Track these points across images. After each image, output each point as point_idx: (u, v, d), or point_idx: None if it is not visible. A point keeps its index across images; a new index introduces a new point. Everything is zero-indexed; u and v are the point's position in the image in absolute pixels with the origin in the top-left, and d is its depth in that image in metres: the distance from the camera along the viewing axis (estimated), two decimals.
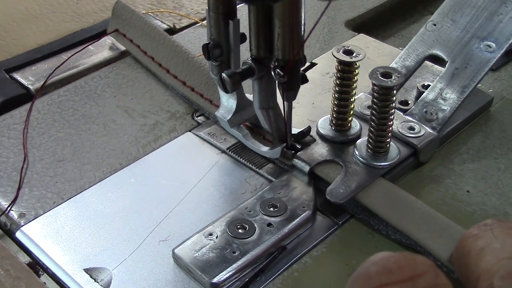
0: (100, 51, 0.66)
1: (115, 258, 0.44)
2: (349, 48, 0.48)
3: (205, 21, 0.51)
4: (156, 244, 0.45)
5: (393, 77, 0.46)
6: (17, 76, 0.63)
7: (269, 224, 0.45)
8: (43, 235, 0.46)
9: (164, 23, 0.71)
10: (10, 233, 0.47)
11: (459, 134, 0.55)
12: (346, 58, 0.48)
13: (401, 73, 0.47)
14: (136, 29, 0.64)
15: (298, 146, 0.49)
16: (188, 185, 0.50)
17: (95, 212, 0.48)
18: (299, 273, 0.43)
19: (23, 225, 0.47)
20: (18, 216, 0.48)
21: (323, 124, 0.52)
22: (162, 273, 0.43)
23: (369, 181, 0.47)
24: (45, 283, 0.44)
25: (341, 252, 0.45)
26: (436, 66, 0.60)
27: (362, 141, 0.50)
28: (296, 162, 0.50)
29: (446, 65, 0.54)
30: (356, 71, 0.49)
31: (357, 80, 0.49)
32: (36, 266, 0.45)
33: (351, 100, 0.50)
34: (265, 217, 0.46)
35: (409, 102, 0.55)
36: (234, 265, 0.42)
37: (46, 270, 0.44)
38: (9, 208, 0.48)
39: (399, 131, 0.51)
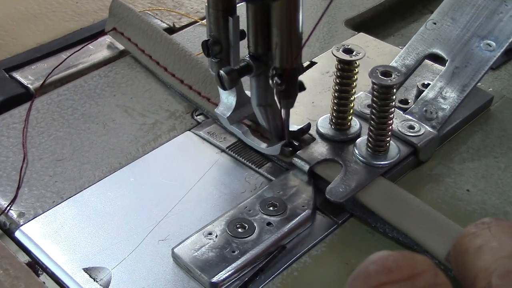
0: (100, 50, 0.66)
1: (115, 258, 0.44)
2: (348, 46, 0.48)
3: (205, 20, 0.51)
4: (155, 244, 0.45)
5: (393, 76, 0.46)
6: (17, 75, 0.63)
7: (269, 223, 0.45)
8: (42, 234, 0.46)
9: (163, 22, 0.70)
10: (9, 233, 0.47)
11: (459, 133, 0.55)
12: (346, 57, 0.48)
13: (401, 71, 0.47)
14: (133, 28, 0.64)
15: (296, 143, 0.49)
16: (187, 184, 0.50)
17: (95, 211, 0.48)
18: (298, 273, 0.43)
19: (22, 225, 0.47)
20: (17, 215, 0.48)
21: (323, 123, 0.52)
22: (161, 273, 0.43)
23: (368, 180, 0.47)
24: (44, 282, 0.43)
25: (341, 251, 0.45)
26: (436, 65, 0.60)
27: (362, 140, 0.50)
28: (296, 161, 0.49)
29: (446, 64, 0.54)
30: (356, 70, 0.49)
31: (357, 79, 0.49)
32: (36, 265, 0.45)
33: (351, 99, 0.50)
34: (265, 216, 0.46)
35: (409, 101, 0.55)
36: (234, 265, 0.42)
37: (46, 270, 0.44)
38: (8, 207, 0.48)
39: (399, 130, 0.51)
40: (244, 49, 0.48)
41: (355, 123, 0.52)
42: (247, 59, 0.46)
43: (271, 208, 0.46)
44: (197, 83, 0.57)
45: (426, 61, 0.57)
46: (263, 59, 0.46)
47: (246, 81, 0.49)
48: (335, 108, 0.51)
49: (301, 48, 0.44)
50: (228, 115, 0.52)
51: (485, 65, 0.53)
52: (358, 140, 0.50)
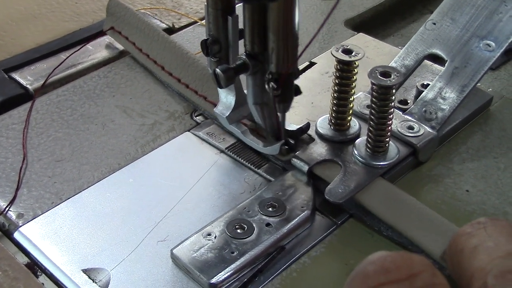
0: (99, 50, 0.66)
1: (114, 259, 0.44)
2: (348, 47, 0.48)
3: (204, 20, 0.51)
4: (154, 245, 0.45)
5: (392, 76, 0.46)
6: (16, 76, 0.63)
7: (268, 224, 0.45)
8: (41, 235, 0.46)
9: (163, 23, 0.70)
10: (8, 234, 0.47)
11: (458, 133, 0.54)
12: (345, 57, 0.48)
13: (400, 72, 0.47)
14: (131, 27, 0.64)
15: (292, 142, 0.49)
16: (186, 185, 0.50)
17: (94, 212, 0.48)
18: (297, 273, 0.43)
19: (21, 226, 0.47)
20: (16, 216, 0.48)
21: (322, 124, 0.52)
22: (160, 274, 0.43)
23: (368, 180, 0.47)
24: (43, 283, 0.43)
25: (340, 252, 0.45)
26: (436, 65, 0.60)
27: (361, 141, 0.50)
28: (295, 161, 0.49)
29: (446, 64, 0.54)
30: (355, 70, 0.49)
31: (356, 79, 0.49)
32: (34, 266, 0.45)
33: (350, 99, 0.50)
34: (264, 217, 0.46)
35: (409, 101, 0.55)
36: (233, 265, 0.42)
37: (44, 271, 0.44)
38: (7, 208, 0.48)
39: (398, 131, 0.51)
40: (243, 48, 0.48)
41: (354, 124, 0.52)
42: (244, 57, 0.46)
43: (270, 209, 0.46)
44: (194, 82, 0.57)
45: (426, 61, 0.57)
46: (259, 58, 0.46)
47: (245, 81, 0.49)
48: (334, 108, 0.51)
49: (298, 55, 0.44)
50: (227, 114, 0.52)
51: (484, 65, 0.53)
52: (358, 140, 0.50)
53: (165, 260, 0.44)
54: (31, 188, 0.50)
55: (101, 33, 0.67)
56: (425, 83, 0.55)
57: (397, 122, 0.51)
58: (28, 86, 0.61)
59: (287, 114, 0.54)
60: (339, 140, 0.51)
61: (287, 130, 0.50)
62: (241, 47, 0.48)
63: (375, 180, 0.47)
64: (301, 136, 0.51)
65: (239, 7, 0.47)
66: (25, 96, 0.60)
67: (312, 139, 0.51)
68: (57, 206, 0.48)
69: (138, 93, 0.60)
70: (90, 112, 0.58)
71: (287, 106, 0.46)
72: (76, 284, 0.43)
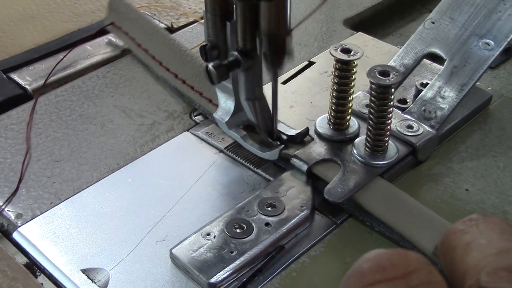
0: (98, 51, 0.66)
1: (113, 259, 0.44)
2: (347, 46, 0.48)
3: (203, 20, 0.51)
4: (153, 244, 0.45)
5: (391, 75, 0.46)
6: (15, 76, 0.63)
7: (267, 224, 0.45)
8: (40, 235, 0.46)
9: (161, 23, 0.70)
10: (7, 234, 0.47)
11: (457, 132, 0.54)
12: (344, 57, 0.48)
13: (399, 71, 0.46)
14: (131, 22, 0.64)
15: (284, 137, 0.49)
16: (185, 185, 0.49)
17: (93, 212, 0.48)
18: (297, 273, 0.43)
19: (20, 226, 0.47)
20: (15, 216, 0.48)
21: (321, 123, 0.52)
22: (159, 273, 0.43)
23: (367, 180, 0.47)
24: (42, 284, 0.43)
25: (340, 252, 0.45)
26: (435, 64, 0.60)
27: (360, 140, 0.50)
28: (294, 161, 0.49)
29: (445, 63, 0.54)
30: (354, 69, 0.49)
31: (355, 78, 0.49)
32: (33, 266, 0.45)
33: (349, 98, 0.50)
34: (263, 216, 0.46)
35: (408, 100, 0.55)
36: (232, 265, 0.42)
37: (43, 271, 0.44)
38: (8, 201, 0.48)
39: (397, 130, 0.51)
40: None
41: (353, 123, 0.52)
42: (236, 54, 0.46)
43: (269, 208, 0.46)
44: (190, 78, 0.57)
45: (425, 60, 0.57)
46: (251, 54, 0.46)
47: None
48: (333, 108, 0.51)
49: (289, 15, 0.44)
50: (226, 119, 0.52)
51: (483, 64, 0.52)
52: (357, 140, 0.50)
53: (164, 260, 0.44)
54: (30, 189, 0.50)
55: (100, 33, 0.67)
56: (424, 82, 0.55)
57: (396, 121, 0.51)
58: (26, 86, 0.61)
59: (287, 116, 0.54)
60: (338, 139, 0.51)
61: (287, 134, 0.50)
62: None
63: (374, 180, 0.47)
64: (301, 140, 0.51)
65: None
66: (24, 97, 0.60)
67: (311, 139, 0.51)
68: (56, 206, 0.48)
69: (137, 93, 0.60)
70: (89, 112, 0.58)
71: (281, 62, 0.46)
72: (75, 284, 0.42)
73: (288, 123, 0.52)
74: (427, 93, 0.53)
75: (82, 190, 0.50)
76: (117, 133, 0.55)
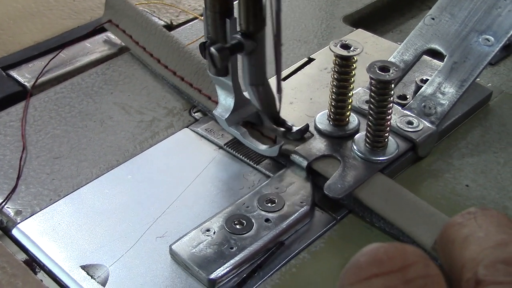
0: (97, 48, 0.66)
1: (112, 255, 0.44)
2: (346, 42, 0.48)
3: (203, 16, 0.51)
4: (153, 241, 0.45)
5: (391, 71, 0.46)
6: (14, 73, 0.63)
7: (267, 220, 0.45)
8: (39, 232, 0.46)
9: (161, 20, 0.70)
10: (6, 231, 0.47)
11: (458, 128, 0.54)
12: (344, 52, 0.48)
13: (399, 67, 0.46)
14: (129, 20, 0.63)
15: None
16: (185, 181, 0.49)
17: (92, 209, 0.47)
18: (297, 269, 0.43)
19: (19, 223, 0.47)
20: (14, 213, 0.47)
21: (321, 119, 0.52)
22: (159, 270, 0.43)
23: (367, 175, 0.47)
24: (41, 280, 0.43)
25: (340, 247, 0.45)
26: (435, 60, 0.59)
27: (360, 136, 0.50)
28: (294, 157, 0.49)
29: (445, 59, 0.54)
30: (354, 65, 0.48)
31: (355, 74, 0.49)
32: (33, 263, 0.45)
33: (349, 94, 0.50)
34: (263, 212, 0.46)
35: (408, 96, 0.55)
36: (232, 261, 0.42)
37: (43, 267, 0.44)
38: (8, 197, 0.48)
39: (397, 126, 0.50)
40: None
41: (353, 119, 0.52)
42: (238, 36, 0.46)
43: (269, 204, 0.46)
44: (189, 75, 0.57)
45: (425, 56, 0.57)
46: (254, 37, 0.46)
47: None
48: (333, 104, 0.50)
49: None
50: (226, 116, 0.51)
51: (483, 60, 0.52)
52: (357, 136, 0.50)
53: (164, 256, 0.44)
54: (29, 185, 0.50)
55: (99, 30, 0.66)
56: (424, 78, 0.55)
57: (396, 117, 0.51)
58: (25, 83, 0.61)
59: (287, 112, 0.54)
60: (338, 135, 0.51)
61: (287, 132, 0.50)
62: None
63: (374, 175, 0.47)
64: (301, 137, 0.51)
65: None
66: (23, 94, 0.60)
67: (311, 135, 0.51)
68: (55, 203, 0.48)
69: (136, 90, 0.60)
70: (88, 109, 0.58)
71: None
72: (74, 280, 0.42)
73: (288, 119, 0.52)
74: (427, 89, 0.53)
75: (82, 186, 0.49)
76: (117, 129, 0.55)
